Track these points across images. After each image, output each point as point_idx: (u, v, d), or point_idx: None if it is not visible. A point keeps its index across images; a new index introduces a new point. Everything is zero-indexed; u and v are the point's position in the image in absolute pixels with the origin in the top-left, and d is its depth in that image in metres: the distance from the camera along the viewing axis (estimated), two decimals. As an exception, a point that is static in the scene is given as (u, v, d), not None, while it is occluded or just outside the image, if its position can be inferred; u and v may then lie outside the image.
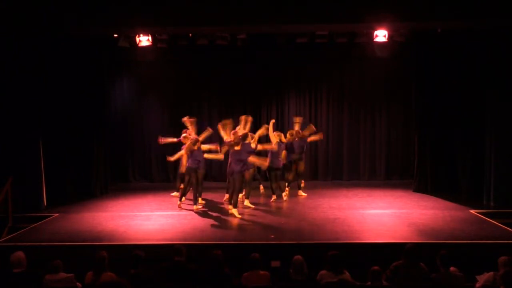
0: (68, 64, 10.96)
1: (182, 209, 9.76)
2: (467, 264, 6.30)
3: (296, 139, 10.66)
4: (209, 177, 12.88)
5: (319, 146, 13.31)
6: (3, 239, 8.26)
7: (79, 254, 7.29)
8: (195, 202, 9.72)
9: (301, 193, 11.07)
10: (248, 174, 9.61)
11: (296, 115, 11.51)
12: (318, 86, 13.36)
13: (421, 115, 11.44)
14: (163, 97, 13.42)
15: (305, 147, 11.06)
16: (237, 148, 9.04)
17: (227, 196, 10.15)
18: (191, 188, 9.85)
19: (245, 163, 9.11)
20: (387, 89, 13.06)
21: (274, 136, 10.26)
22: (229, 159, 9.32)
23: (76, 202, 10.70)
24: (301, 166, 10.92)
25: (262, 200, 10.68)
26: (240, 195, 9.58)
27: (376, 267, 5.59)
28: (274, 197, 10.48)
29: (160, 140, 10.62)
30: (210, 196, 10.99)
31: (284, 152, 10.55)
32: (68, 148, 11.13)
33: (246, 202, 9.91)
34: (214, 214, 9.47)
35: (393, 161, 13.26)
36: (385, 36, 10.68)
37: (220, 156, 9.63)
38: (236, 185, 9.08)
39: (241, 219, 9.00)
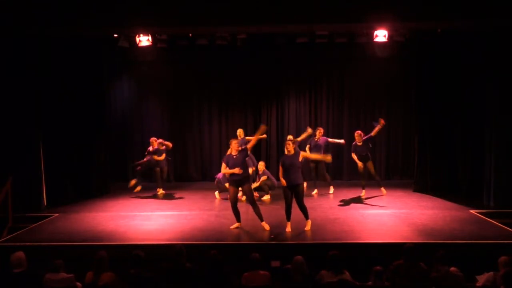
0: (68, 64, 10.95)
1: None
2: (467, 264, 6.29)
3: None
4: (208, 177, 12.89)
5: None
6: (3, 239, 8.25)
7: (79, 254, 7.29)
8: None
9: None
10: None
11: (296, 116, 11.44)
12: (318, 86, 13.37)
13: (421, 115, 11.45)
14: (163, 97, 13.44)
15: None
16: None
17: None
18: None
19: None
20: (387, 89, 13.07)
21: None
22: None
23: (76, 202, 10.70)
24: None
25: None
26: None
27: (378, 267, 5.59)
28: None
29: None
30: (210, 196, 11.01)
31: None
32: (68, 148, 11.12)
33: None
34: (214, 214, 9.47)
35: (393, 161, 13.27)
36: (385, 36, 10.67)
37: None
38: None
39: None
